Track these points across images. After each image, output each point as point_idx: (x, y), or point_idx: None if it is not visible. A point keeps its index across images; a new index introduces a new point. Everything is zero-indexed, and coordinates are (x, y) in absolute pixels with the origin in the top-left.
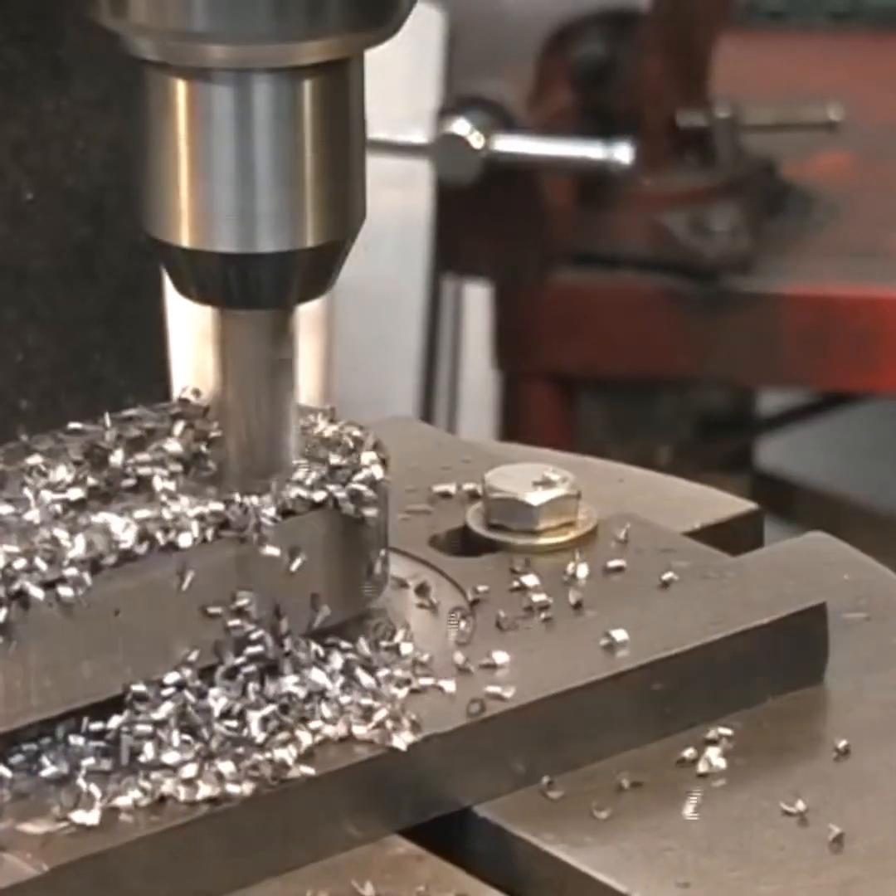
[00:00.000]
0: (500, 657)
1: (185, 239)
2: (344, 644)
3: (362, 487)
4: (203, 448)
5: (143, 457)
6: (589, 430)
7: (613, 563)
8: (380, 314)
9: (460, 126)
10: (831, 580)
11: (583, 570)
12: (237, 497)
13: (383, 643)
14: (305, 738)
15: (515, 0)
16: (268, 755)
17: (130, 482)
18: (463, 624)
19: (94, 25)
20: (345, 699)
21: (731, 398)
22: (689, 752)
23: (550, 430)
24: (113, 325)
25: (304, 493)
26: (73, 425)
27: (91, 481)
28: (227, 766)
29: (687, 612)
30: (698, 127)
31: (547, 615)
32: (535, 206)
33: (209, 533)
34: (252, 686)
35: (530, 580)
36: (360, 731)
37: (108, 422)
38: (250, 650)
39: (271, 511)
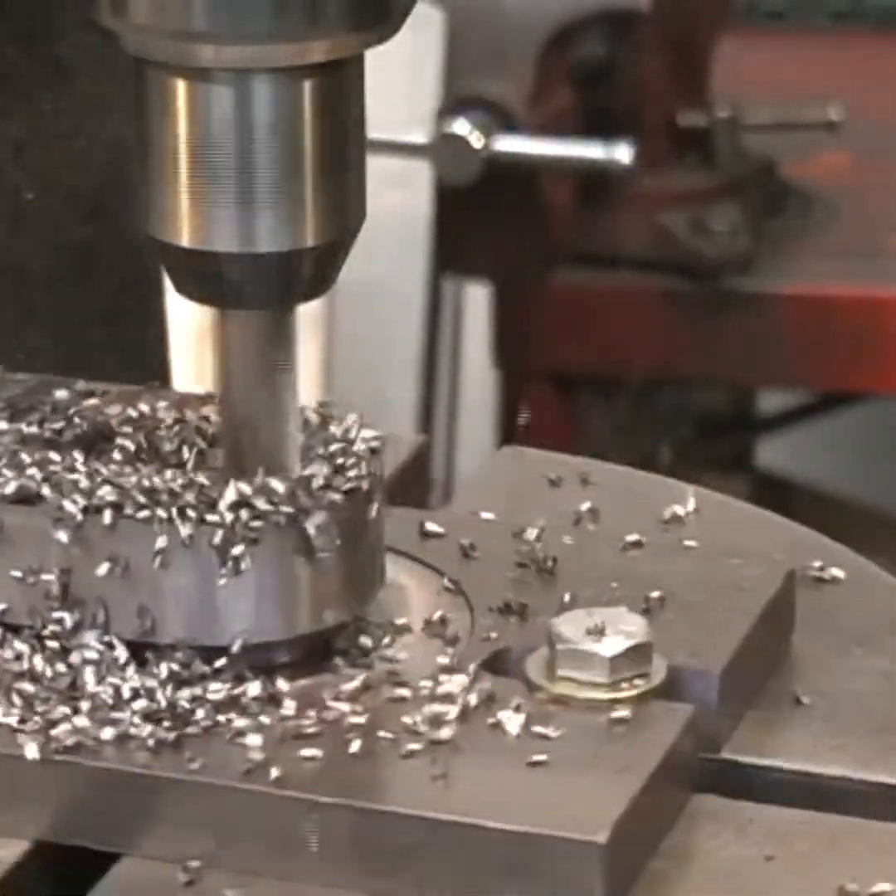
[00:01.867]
0: (308, 751)
1: (184, 239)
2: (181, 658)
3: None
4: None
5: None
6: (589, 430)
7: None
8: (380, 314)
9: (460, 126)
10: None
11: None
12: (69, 475)
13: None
14: None
15: (515, 0)
16: None
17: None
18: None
19: (94, 25)
20: (94, 695)
21: (731, 398)
22: None
23: (551, 431)
24: (113, 324)
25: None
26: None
27: (48, 433)
28: None
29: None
30: (698, 127)
31: (451, 735)
32: (535, 206)
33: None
34: (42, 656)
35: (506, 716)
36: (12, 722)
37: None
38: (52, 627)
39: (81, 501)
